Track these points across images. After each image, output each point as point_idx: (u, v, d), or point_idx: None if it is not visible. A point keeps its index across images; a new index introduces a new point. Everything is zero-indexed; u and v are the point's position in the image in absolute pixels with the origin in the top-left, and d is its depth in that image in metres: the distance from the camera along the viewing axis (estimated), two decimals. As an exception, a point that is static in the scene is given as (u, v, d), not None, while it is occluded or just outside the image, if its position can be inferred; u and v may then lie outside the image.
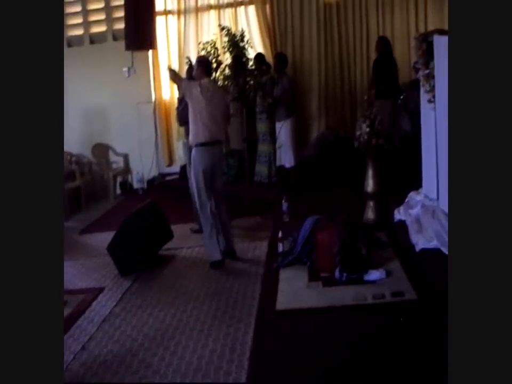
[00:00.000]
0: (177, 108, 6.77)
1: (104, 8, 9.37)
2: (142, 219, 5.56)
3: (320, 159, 8.11)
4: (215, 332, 4.00)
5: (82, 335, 4.19)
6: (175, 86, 9.17)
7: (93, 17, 9.46)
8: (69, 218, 7.87)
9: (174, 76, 5.65)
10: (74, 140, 8.73)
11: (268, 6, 8.95)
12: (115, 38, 9.31)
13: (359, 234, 4.88)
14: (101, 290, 5.07)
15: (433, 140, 5.18)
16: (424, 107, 5.43)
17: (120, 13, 8.97)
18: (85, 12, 9.36)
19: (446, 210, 4.83)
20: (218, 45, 8.77)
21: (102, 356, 3.86)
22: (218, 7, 9.15)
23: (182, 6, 9.22)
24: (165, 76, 9.46)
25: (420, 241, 4.82)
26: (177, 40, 9.31)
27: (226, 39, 8.63)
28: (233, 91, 8.01)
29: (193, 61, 7.86)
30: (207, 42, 8.70)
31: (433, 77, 5.00)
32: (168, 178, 9.29)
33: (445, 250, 4.49)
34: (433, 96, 5.02)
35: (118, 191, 9.36)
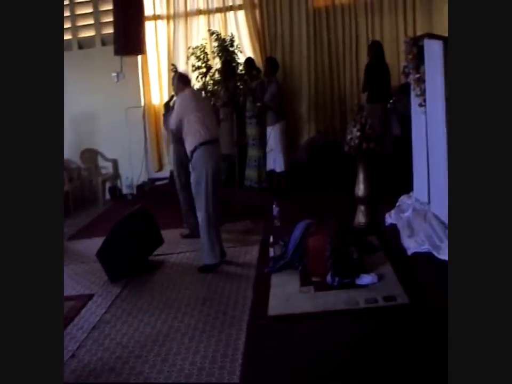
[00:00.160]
0: (164, 114, 6.78)
1: (93, 12, 9.33)
2: (132, 224, 5.52)
3: (310, 163, 8.11)
4: (207, 338, 3.96)
5: (72, 342, 4.12)
6: (164, 91, 9.25)
7: (81, 22, 9.41)
8: (58, 224, 7.78)
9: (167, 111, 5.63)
10: (63, 145, 8.66)
11: (257, 11, 8.96)
12: (104, 43, 9.28)
13: (351, 239, 4.87)
14: (90, 297, 5.01)
15: (424, 144, 5.18)
16: (415, 111, 5.43)
17: (109, 18, 8.95)
18: (73, 17, 9.30)
19: (437, 213, 4.83)
20: (208, 50, 8.79)
21: (92, 363, 3.81)
22: (208, 12, 9.15)
23: (171, 11, 9.22)
24: (154, 81, 9.44)
25: (412, 245, 4.81)
26: (167, 45, 9.29)
27: (216, 44, 8.65)
28: (224, 96, 8.02)
29: (179, 68, 7.93)
30: (197, 47, 8.71)
31: (423, 81, 5.00)
32: (158, 183, 9.25)
33: (437, 254, 4.48)
34: (424, 100, 5.03)
35: (107, 196, 9.31)
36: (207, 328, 4.12)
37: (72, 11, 9.28)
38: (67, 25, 9.27)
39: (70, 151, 9.05)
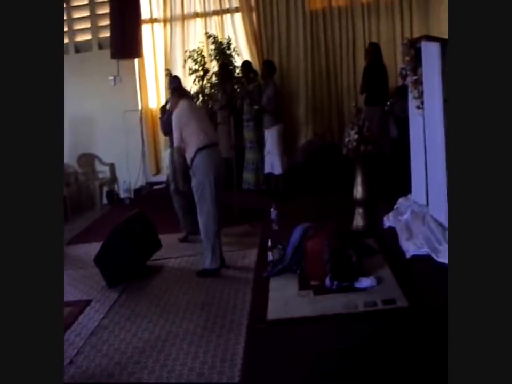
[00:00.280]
0: (161, 118, 6.77)
1: (90, 16, 9.32)
2: (130, 229, 5.50)
3: (308, 166, 8.09)
4: (205, 343, 3.94)
5: (70, 348, 4.09)
6: (161, 95, 9.23)
7: (78, 26, 9.40)
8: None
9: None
10: (60, 149, 8.64)
11: (254, 14, 8.94)
12: (100, 47, 9.28)
13: (349, 242, 4.86)
14: (88, 302, 4.98)
15: (422, 146, 5.17)
16: (412, 113, 5.43)
17: (106, 21, 8.95)
18: (70, 20, 9.29)
19: (436, 216, 4.81)
20: (205, 53, 8.78)
21: (90, 370, 3.79)
22: (205, 15, 9.13)
23: (168, 14, 9.20)
24: (151, 84, 9.43)
25: (410, 248, 4.79)
26: (164, 49, 9.27)
27: (213, 46, 8.65)
28: (221, 99, 8.01)
29: (173, 72, 7.94)
30: (194, 50, 8.70)
31: (421, 83, 4.99)
32: (155, 187, 9.21)
33: (435, 256, 4.47)
34: (422, 102, 5.02)
35: (105, 201, 9.28)
36: (206, 333, 4.11)
37: (69, 15, 9.26)
38: (64, 29, 9.25)
39: (67, 155, 8.98)
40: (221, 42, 8.64)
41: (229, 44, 8.63)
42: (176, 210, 6.50)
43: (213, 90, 8.50)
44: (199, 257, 5.64)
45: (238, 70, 8.47)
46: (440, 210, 4.64)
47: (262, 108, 7.67)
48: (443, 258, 4.28)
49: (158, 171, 9.50)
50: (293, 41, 8.89)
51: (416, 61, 5.06)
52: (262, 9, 8.87)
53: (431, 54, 4.68)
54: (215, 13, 9.13)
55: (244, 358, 3.65)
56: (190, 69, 8.64)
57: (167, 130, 6.46)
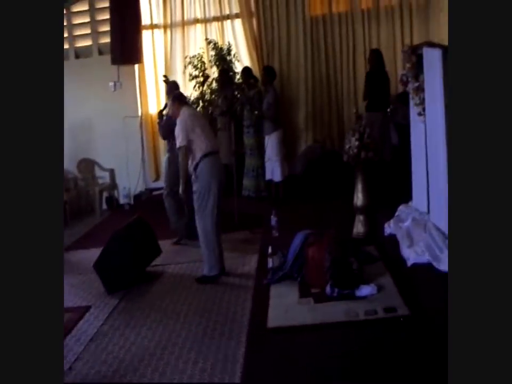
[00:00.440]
0: (159, 123, 6.77)
1: (90, 22, 9.33)
2: (130, 235, 5.48)
3: (308, 172, 8.07)
4: (205, 351, 3.92)
5: (69, 355, 4.07)
6: (161, 100, 9.22)
7: (78, 31, 9.41)
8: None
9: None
10: (60, 155, 8.62)
11: (254, 20, 8.95)
12: (101, 52, 9.28)
13: (350, 249, 4.83)
14: (87, 308, 4.97)
15: (423, 153, 5.15)
16: (414, 120, 5.41)
17: (106, 27, 8.95)
18: (70, 26, 9.30)
19: (437, 223, 4.79)
20: (205, 59, 8.79)
21: (90, 376, 3.77)
22: (205, 21, 9.14)
23: (169, 20, 9.21)
24: (151, 90, 9.42)
25: (411, 256, 4.77)
26: (164, 54, 9.27)
27: (213, 52, 8.66)
28: (222, 105, 8.00)
29: (173, 78, 7.93)
30: (194, 56, 8.71)
31: (423, 90, 4.98)
32: (155, 193, 9.18)
33: (437, 264, 4.44)
34: (423, 109, 5.00)
35: (104, 206, 9.26)
36: (206, 340, 4.08)
37: (69, 20, 9.28)
38: (64, 34, 9.26)
39: (67, 161, 8.96)
40: (221, 48, 8.65)
41: (229, 50, 8.64)
42: (168, 214, 6.52)
43: (213, 96, 8.50)
44: (199, 263, 5.61)
45: (238, 76, 8.47)
46: (441, 218, 4.62)
47: (262, 114, 7.66)
48: (444, 266, 4.25)
49: (157, 177, 9.48)
50: (293, 47, 8.90)
51: (417, 68, 5.05)
52: (262, 15, 8.88)
53: (432, 60, 4.66)
54: (215, 19, 9.15)
55: (244, 365, 3.62)
56: (190, 75, 8.65)
57: (165, 135, 6.48)
